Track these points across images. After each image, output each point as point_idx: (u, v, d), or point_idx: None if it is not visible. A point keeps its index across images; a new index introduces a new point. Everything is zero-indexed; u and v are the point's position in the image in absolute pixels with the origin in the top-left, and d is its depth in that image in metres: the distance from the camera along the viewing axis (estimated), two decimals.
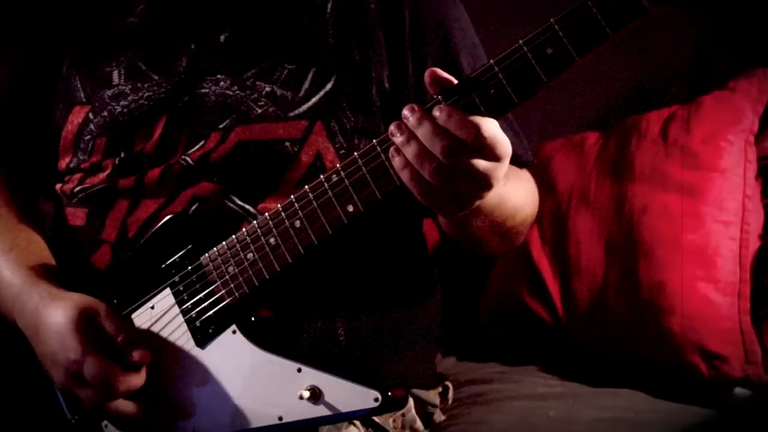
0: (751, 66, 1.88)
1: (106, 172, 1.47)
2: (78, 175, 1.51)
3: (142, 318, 1.34)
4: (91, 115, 1.50)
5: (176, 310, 1.32)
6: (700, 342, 1.70)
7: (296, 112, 1.41)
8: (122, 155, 1.47)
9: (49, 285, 1.39)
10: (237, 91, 1.43)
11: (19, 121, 1.61)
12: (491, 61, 1.08)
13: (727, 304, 1.71)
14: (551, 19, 1.04)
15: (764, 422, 1.59)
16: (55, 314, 1.32)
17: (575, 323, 1.86)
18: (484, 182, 1.11)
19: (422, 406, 1.52)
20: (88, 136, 1.50)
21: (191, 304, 1.31)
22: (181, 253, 1.32)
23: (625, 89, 2.15)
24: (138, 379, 1.30)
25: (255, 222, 1.26)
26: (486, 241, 1.38)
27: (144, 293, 1.34)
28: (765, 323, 1.74)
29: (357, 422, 1.38)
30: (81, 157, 1.51)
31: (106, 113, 1.49)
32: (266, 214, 1.25)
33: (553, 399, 1.69)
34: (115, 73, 1.52)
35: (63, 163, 1.54)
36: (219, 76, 1.45)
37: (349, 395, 1.21)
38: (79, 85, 1.55)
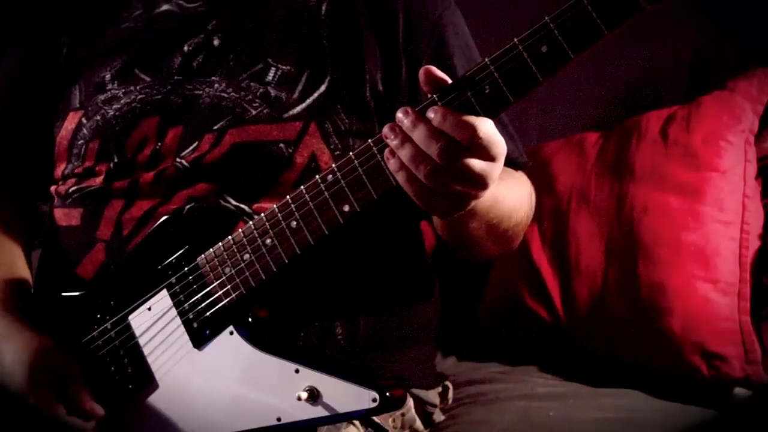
0: (751, 66, 1.87)
1: (101, 177, 1.47)
2: (72, 180, 1.51)
3: (139, 320, 1.34)
4: (84, 120, 1.50)
5: (173, 311, 1.32)
6: (700, 342, 1.69)
7: (290, 113, 1.41)
8: (115, 159, 1.47)
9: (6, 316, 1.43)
10: (231, 93, 1.43)
11: (17, 128, 1.61)
12: (486, 60, 1.07)
13: (727, 304, 1.71)
14: (546, 17, 1.04)
15: (764, 422, 1.58)
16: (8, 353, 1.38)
17: (575, 323, 1.86)
18: (480, 182, 1.10)
19: (422, 406, 1.52)
20: (81, 141, 1.50)
21: (188, 305, 1.30)
22: (177, 254, 1.32)
23: (625, 89, 2.14)
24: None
25: (251, 223, 1.26)
26: (482, 243, 1.37)
27: (141, 295, 1.34)
28: (765, 323, 1.74)
29: (356, 422, 1.38)
30: (75, 163, 1.51)
31: (98, 117, 1.49)
32: (262, 214, 1.25)
33: (553, 399, 1.69)
34: (108, 78, 1.52)
35: (59, 171, 1.54)
36: (213, 78, 1.45)
37: (347, 395, 1.21)
38: (75, 92, 1.55)
